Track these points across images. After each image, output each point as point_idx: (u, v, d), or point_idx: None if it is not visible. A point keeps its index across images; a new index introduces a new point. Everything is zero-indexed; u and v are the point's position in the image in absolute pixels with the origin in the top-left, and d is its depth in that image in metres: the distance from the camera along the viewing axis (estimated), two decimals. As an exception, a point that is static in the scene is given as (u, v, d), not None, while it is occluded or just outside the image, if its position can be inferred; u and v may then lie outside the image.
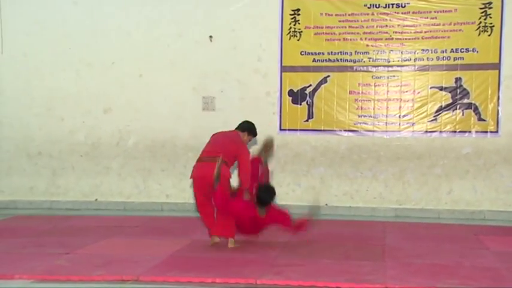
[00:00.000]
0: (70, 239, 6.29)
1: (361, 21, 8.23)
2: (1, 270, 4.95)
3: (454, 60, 8.03)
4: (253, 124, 6.36)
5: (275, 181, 8.47)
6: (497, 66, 7.92)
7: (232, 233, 5.87)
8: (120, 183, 8.89)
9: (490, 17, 7.91)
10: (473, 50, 7.98)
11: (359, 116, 8.31)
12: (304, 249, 5.81)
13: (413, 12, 8.10)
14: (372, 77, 8.27)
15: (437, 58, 8.09)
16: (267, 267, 5.08)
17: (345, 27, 8.26)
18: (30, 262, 5.23)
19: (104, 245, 6.03)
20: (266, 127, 8.49)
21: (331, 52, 8.32)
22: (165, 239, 6.13)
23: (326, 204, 8.41)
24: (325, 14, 8.28)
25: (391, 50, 8.22)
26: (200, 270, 4.96)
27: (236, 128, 6.30)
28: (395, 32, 8.18)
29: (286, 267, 5.07)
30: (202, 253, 5.63)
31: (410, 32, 8.15)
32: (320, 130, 8.39)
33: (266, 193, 5.82)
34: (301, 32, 8.36)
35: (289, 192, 8.49)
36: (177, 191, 8.67)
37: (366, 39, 8.25)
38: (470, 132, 8.05)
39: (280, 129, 8.49)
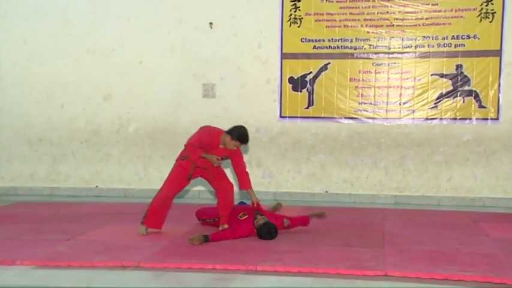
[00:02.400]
0: (71, 226, 6.30)
1: (362, 7, 8.19)
2: (2, 256, 4.97)
3: (455, 47, 8.00)
4: (244, 130, 5.83)
5: (276, 168, 8.53)
6: (498, 53, 7.89)
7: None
8: (120, 170, 8.90)
9: (492, 3, 7.87)
10: (474, 37, 7.94)
11: (359, 103, 8.30)
12: (304, 236, 5.82)
13: (415, -1, 8.07)
14: (373, 64, 8.24)
15: (438, 45, 8.06)
16: (266, 254, 5.09)
17: (346, 14, 8.21)
18: (31, 248, 5.24)
19: (105, 232, 6.05)
20: (267, 114, 8.52)
21: (332, 39, 8.28)
22: (166, 226, 6.13)
23: (326, 192, 8.43)
24: (326, 0, 8.24)
25: (392, 37, 8.18)
26: (200, 256, 4.97)
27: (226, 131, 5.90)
28: (396, 19, 8.14)
29: (286, 253, 5.08)
30: (203, 240, 5.64)
31: (411, 19, 8.11)
32: (320, 117, 8.38)
33: (267, 234, 5.65)
34: (302, 18, 8.32)
35: (290, 180, 8.50)
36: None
37: (366, 26, 8.21)
38: (470, 119, 8.04)
39: (281, 117, 8.47)
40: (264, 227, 5.61)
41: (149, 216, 5.89)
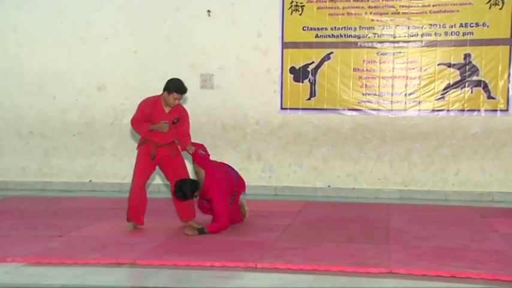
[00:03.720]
0: (63, 221, 6.32)
1: (366, -6, 8.18)
2: (-8, 253, 4.98)
3: (463, 35, 7.98)
4: (177, 79, 5.82)
5: (276, 162, 8.53)
6: (508, 41, 7.88)
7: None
8: (115, 164, 8.91)
9: (502, -10, 7.87)
10: (483, 25, 7.93)
11: (363, 94, 8.29)
12: (305, 232, 5.84)
13: (421, -15, 8.06)
14: (377, 53, 8.23)
15: (446, 33, 8.04)
16: (267, 250, 5.10)
17: (349, 1, 8.20)
18: (22, 245, 5.25)
19: (99, 228, 6.06)
20: (267, 106, 8.51)
21: (335, 27, 8.27)
22: (162, 222, 6.15)
23: (329, 186, 8.44)
24: (329, -13, 8.24)
25: (397, 25, 8.16)
26: (198, 253, 4.99)
27: None
28: (402, 6, 8.12)
29: (287, 250, 5.10)
30: (201, 236, 5.65)
31: (418, 6, 8.09)
32: (323, 109, 8.38)
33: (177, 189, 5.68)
34: (304, 6, 8.30)
35: (291, 174, 8.51)
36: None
37: (371, 13, 8.19)
38: (479, 110, 8.04)
39: (281, 108, 8.47)
40: (181, 183, 5.64)
41: (131, 211, 5.93)
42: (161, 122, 5.77)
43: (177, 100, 5.80)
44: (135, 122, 5.87)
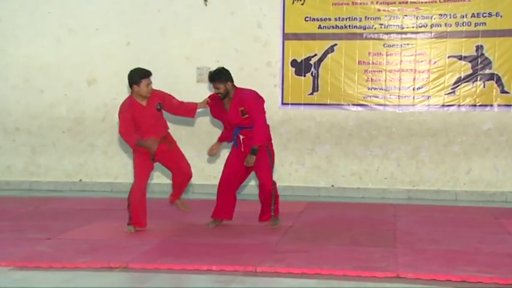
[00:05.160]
0: (52, 223, 6.32)
1: (372, -18, 8.18)
2: (-23, 256, 4.98)
3: (475, 25, 7.98)
4: (135, 68, 5.97)
5: (277, 160, 8.51)
6: (522, 32, 7.90)
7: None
8: (106, 162, 8.92)
9: (516, -22, 7.87)
10: (496, 15, 7.92)
11: (369, 89, 8.30)
12: (308, 234, 5.85)
13: (430, -27, 8.05)
14: (384, 45, 8.23)
15: (457, 24, 8.04)
16: (267, 253, 5.11)
17: (355, -11, 8.21)
18: (8, 248, 5.25)
19: (89, 230, 6.07)
20: (267, 101, 8.48)
21: (339, 18, 8.27)
22: (157, 223, 6.16)
23: (332, 186, 8.45)
24: (333, -26, 8.24)
25: (405, 15, 8.16)
26: (195, 256, 4.99)
27: None
28: (410, -5, 8.14)
29: (289, 253, 5.10)
30: (197, 238, 5.66)
31: (427, -5, 8.10)
32: (326, 104, 8.38)
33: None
34: (306, -5, 8.32)
35: (292, 173, 8.52)
36: (169, 171, 8.65)
37: (377, 3, 8.19)
38: (491, 106, 8.04)
39: (282, 103, 8.48)
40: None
41: (134, 216, 5.93)
42: (150, 140, 5.84)
43: (149, 85, 5.86)
44: (123, 132, 5.90)
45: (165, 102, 5.98)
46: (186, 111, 6.12)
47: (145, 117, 5.85)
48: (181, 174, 6.13)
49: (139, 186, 5.92)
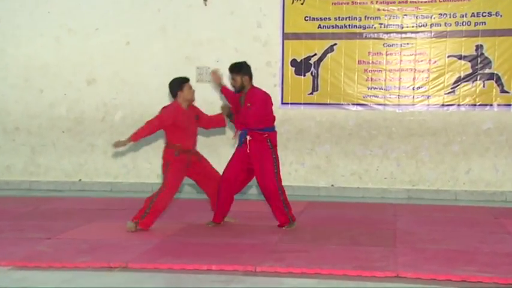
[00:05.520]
0: (52, 223, 6.32)
1: (372, -18, 8.19)
2: (-23, 256, 4.98)
3: (475, 25, 7.99)
4: (176, 78, 6.16)
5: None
6: (522, 32, 7.90)
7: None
8: (106, 162, 8.92)
9: (515, -23, 7.87)
10: (496, 14, 7.93)
11: (369, 88, 8.30)
12: (308, 234, 5.85)
13: (430, -27, 8.06)
14: (384, 44, 8.24)
15: (456, 23, 8.05)
16: (267, 253, 5.11)
17: (354, -11, 8.22)
18: (8, 247, 5.25)
19: (89, 230, 6.07)
20: (266, 100, 8.50)
21: (339, 17, 8.27)
22: (156, 223, 6.14)
23: (332, 185, 8.45)
24: (332, -26, 8.24)
25: (405, 15, 8.17)
26: (195, 256, 4.99)
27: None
28: (410, -5, 8.14)
29: (289, 253, 5.10)
30: (197, 238, 5.66)
31: (427, -5, 8.11)
32: (326, 104, 8.39)
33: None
34: (306, -6, 8.32)
35: (292, 172, 8.51)
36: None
37: (376, 2, 8.19)
38: (491, 105, 8.04)
39: (282, 103, 8.47)
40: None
41: (149, 218, 5.94)
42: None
43: (192, 88, 6.10)
44: (152, 124, 5.93)
45: (200, 116, 6.17)
46: (217, 122, 6.31)
47: (189, 122, 6.02)
48: (213, 178, 6.16)
49: (172, 194, 5.99)
